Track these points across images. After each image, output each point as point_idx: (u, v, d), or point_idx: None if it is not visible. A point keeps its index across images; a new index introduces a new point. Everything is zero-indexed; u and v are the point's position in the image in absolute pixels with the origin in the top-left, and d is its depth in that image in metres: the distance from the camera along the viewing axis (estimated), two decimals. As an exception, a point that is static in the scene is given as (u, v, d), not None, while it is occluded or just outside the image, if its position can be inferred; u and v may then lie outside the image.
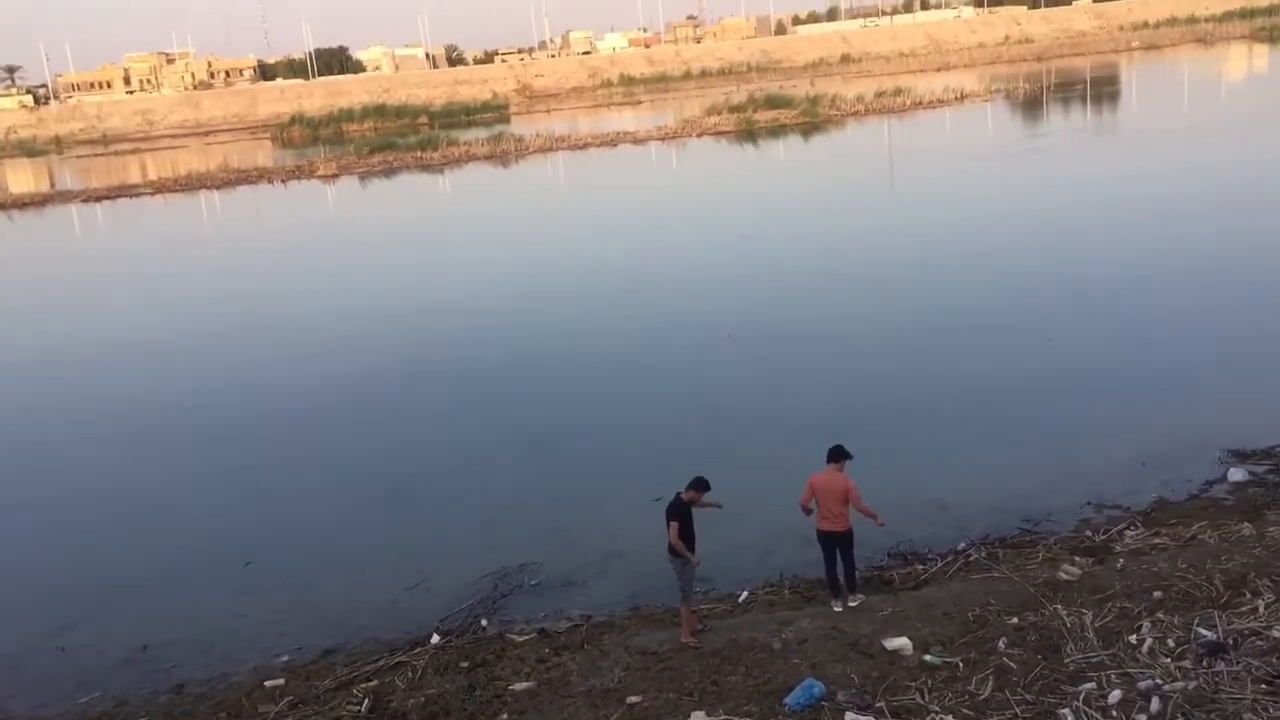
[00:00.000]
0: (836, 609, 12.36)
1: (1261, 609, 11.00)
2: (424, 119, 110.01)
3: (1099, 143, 55.37)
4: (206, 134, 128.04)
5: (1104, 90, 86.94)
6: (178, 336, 30.34)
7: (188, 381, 25.67)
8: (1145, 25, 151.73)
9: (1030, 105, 78.11)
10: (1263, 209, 33.07)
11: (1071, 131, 60.60)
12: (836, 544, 12.27)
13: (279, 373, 25.85)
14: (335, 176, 71.00)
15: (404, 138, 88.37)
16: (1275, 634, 10.34)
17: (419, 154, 76.77)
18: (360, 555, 15.88)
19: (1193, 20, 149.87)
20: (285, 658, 13.16)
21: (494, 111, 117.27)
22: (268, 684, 12.43)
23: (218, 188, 70.07)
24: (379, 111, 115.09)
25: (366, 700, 11.54)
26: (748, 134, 73.82)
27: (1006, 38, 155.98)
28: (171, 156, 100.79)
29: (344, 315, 31.08)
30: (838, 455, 12.16)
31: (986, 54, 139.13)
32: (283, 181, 71.12)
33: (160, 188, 72.36)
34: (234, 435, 21.55)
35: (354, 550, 16.06)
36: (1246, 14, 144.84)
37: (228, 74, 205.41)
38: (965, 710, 9.86)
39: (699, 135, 75.48)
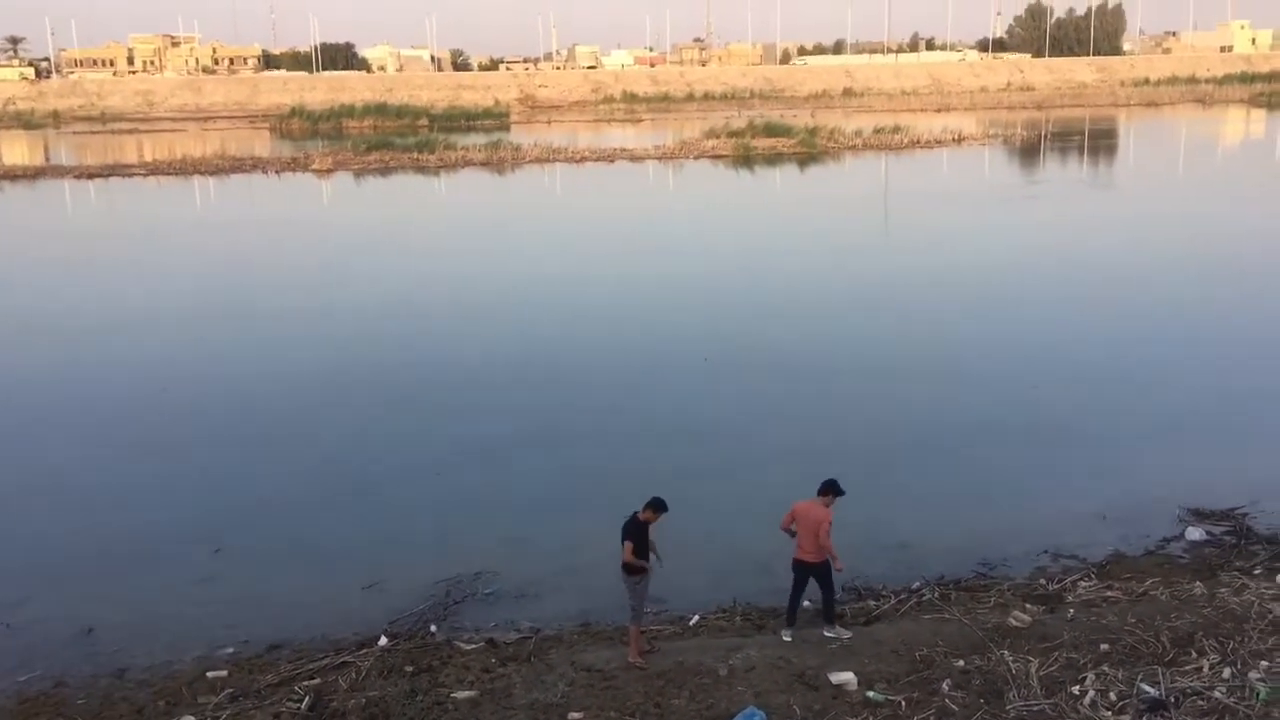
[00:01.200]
0: (786, 638, 12.38)
1: (1206, 669, 11.05)
2: (424, 121, 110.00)
3: (1091, 195, 55.74)
4: (206, 119, 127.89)
5: (1101, 143, 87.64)
6: (152, 320, 30.22)
7: (156, 367, 25.55)
8: (1146, 82, 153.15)
9: (1027, 152, 78.61)
10: (1244, 273, 33.34)
11: (1066, 182, 61.02)
12: (812, 574, 12.31)
13: (250, 363, 25.74)
14: (330, 171, 70.97)
15: (403, 138, 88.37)
16: (1217, 695, 10.40)
17: (416, 155, 76.77)
18: (318, 552, 15.80)
19: (1193, 81, 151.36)
20: (230, 650, 13.07)
21: (495, 119, 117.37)
22: (210, 675, 12.34)
23: (211, 174, 69.95)
24: (380, 110, 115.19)
25: (307, 698, 11.47)
26: (744, 160, 74.07)
27: (1009, 84, 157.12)
28: (169, 139, 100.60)
29: (322, 311, 31.00)
30: (828, 489, 12.21)
31: (988, 98, 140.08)
32: (277, 172, 71.05)
33: (154, 169, 72.26)
34: (194, 424, 21.45)
35: (312, 547, 15.98)
36: (1246, 79, 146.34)
37: (231, 61, 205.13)
38: (903, 749, 9.87)
39: (696, 157, 75.71)
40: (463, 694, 11.55)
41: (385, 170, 72.49)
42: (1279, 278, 32.63)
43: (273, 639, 13.30)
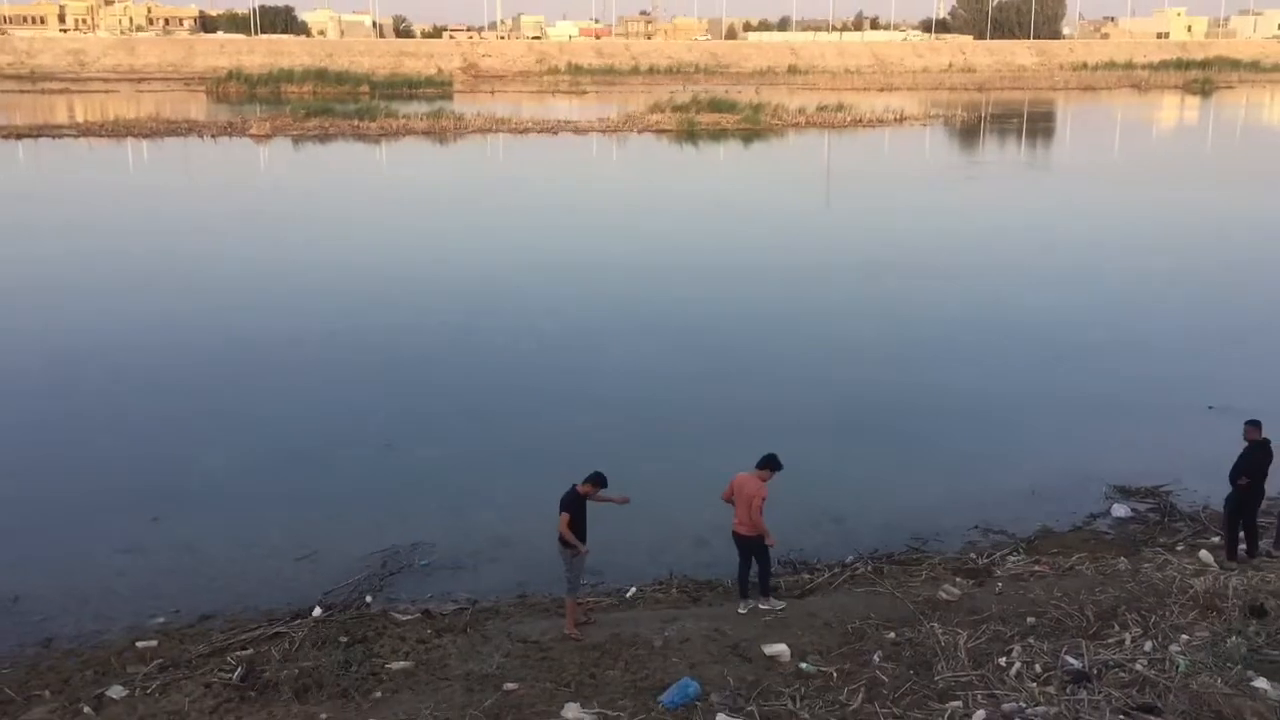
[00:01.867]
0: (742, 611, 12.50)
1: (1128, 642, 11.33)
2: (365, 88, 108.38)
3: (1029, 176, 56.49)
4: (139, 80, 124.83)
5: (1040, 126, 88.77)
6: (89, 285, 29.62)
7: (86, 334, 25.07)
8: (1084, 67, 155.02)
9: (967, 133, 79.42)
10: (1175, 256, 34.03)
11: (1004, 163, 61.78)
12: (749, 547, 12.43)
13: (188, 331, 25.30)
14: (268, 137, 69.80)
15: (343, 104, 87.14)
16: (1138, 667, 10.65)
17: (356, 122, 75.72)
18: (252, 521, 15.63)
19: (1130, 66, 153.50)
20: (160, 619, 12.92)
21: (437, 87, 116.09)
22: (139, 644, 12.19)
23: (145, 136, 68.52)
24: (320, 75, 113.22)
25: (239, 668, 11.37)
26: (689, 134, 74.05)
27: (950, 65, 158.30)
28: (101, 100, 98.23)
29: (263, 279, 30.59)
30: (766, 463, 12.31)
31: (930, 79, 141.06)
32: (213, 136, 69.77)
33: (86, 130, 70.54)
34: (130, 393, 21.09)
35: (246, 515, 15.80)
36: (1182, 65, 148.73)
37: (166, 21, 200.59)
38: (833, 719, 10.01)
39: (640, 131, 75.54)
40: (398, 664, 11.53)
41: (325, 137, 71.45)
42: (1209, 260, 33.31)
43: (205, 609, 13.16)
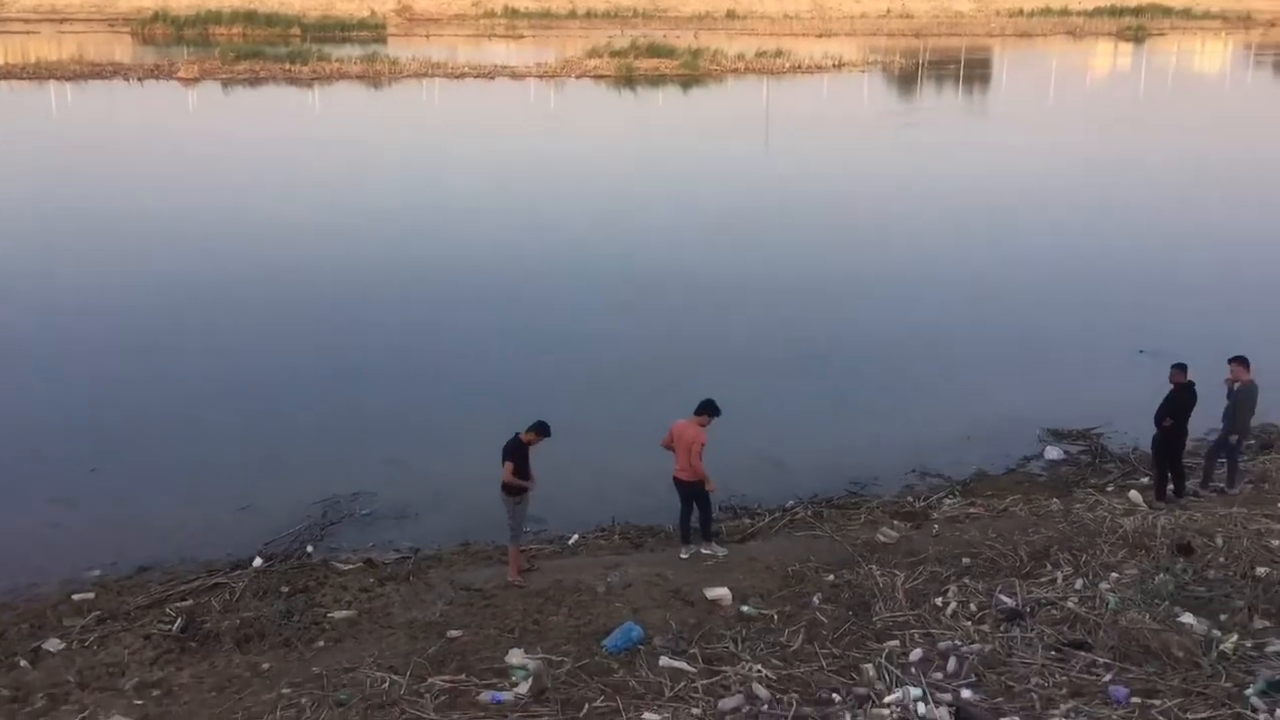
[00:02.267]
0: (684, 556, 12.60)
1: (1059, 580, 11.62)
2: (296, 30, 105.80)
3: (966, 123, 56.82)
4: (61, 21, 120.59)
5: (976, 72, 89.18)
6: (13, 229, 28.82)
7: (23, 280, 24.44)
8: (1020, 13, 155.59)
9: (905, 80, 79.59)
10: (1107, 202, 34.52)
11: (941, 110, 62.08)
12: (690, 493, 12.51)
13: (124, 277, 24.81)
14: (196, 80, 67.95)
15: (274, 47, 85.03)
16: (1069, 604, 10.94)
17: (288, 66, 73.85)
18: (193, 473, 15.47)
19: (1065, 13, 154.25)
20: (97, 572, 12.77)
21: (370, 30, 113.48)
22: (76, 597, 12.05)
23: (68, 79, 66.34)
24: (249, 17, 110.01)
25: (179, 619, 11.29)
26: (627, 80, 73.38)
27: (888, 11, 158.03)
28: (21, 41, 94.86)
29: (200, 225, 29.97)
30: (704, 409, 12.38)
31: (868, 25, 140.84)
32: (139, 79, 67.77)
33: (5, 73, 68.18)
34: (60, 338, 20.64)
35: (187, 468, 15.63)
36: (1116, 12, 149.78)
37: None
38: (775, 660, 10.17)
39: (578, 76, 74.69)
40: (340, 613, 11.51)
41: (255, 80, 69.75)
42: (1141, 206, 33.83)
43: (142, 561, 13.04)
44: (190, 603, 11.79)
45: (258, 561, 12.82)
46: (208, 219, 30.85)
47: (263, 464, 15.69)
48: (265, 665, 10.47)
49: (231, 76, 69.99)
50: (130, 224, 30.11)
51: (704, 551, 12.61)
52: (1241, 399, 13.80)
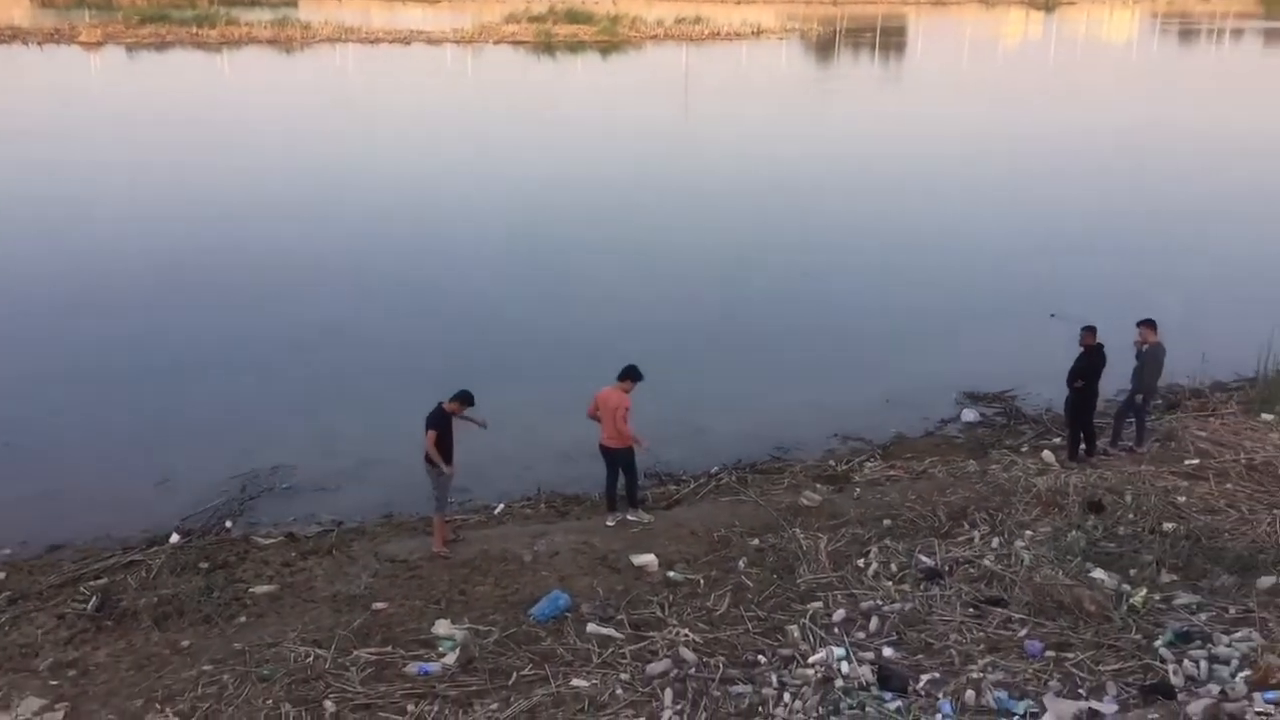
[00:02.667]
0: (610, 523, 12.63)
1: (976, 539, 11.90)
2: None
3: (882, 91, 57.34)
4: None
5: (892, 40, 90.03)
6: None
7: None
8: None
9: (823, 47, 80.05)
10: (1020, 165, 35.15)
11: (858, 79, 62.56)
12: (616, 460, 12.52)
13: (38, 248, 24.09)
14: (99, 45, 65.93)
15: (180, 10, 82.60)
16: (985, 563, 11.22)
17: (195, 30, 72.02)
18: (105, 447, 15.10)
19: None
20: (7, 551, 12.42)
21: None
22: (-15, 578, 11.71)
23: (-39, 43, 63.99)
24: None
25: (94, 598, 11.02)
26: (545, 46, 72.77)
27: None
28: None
29: (110, 194, 29.16)
30: (627, 375, 12.39)
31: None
32: (39, 44, 65.53)
33: (-106, 37, 65.51)
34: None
35: (99, 441, 15.25)
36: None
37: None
38: (701, 624, 10.28)
39: (496, 42, 73.93)
40: (262, 588, 11.36)
41: (161, 45, 67.88)
42: (1051, 172, 34.45)
43: (54, 539, 12.69)
44: (105, 581, 11.52)
45: (175, 538, 12.56)
46: (136, 189, 30.02)
47: (180, 438, 15.35)
48: (185, 642, 10.29)
49: (136, 41, 68.04)
50: (40, 190, 29.14)
51: (630, 519, 12.66)
52: (1149, 360, 14.18)
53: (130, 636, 10.47)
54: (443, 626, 10.33)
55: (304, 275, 22.63)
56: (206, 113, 44.31)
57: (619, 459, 12.58)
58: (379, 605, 10.87)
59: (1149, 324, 14.24)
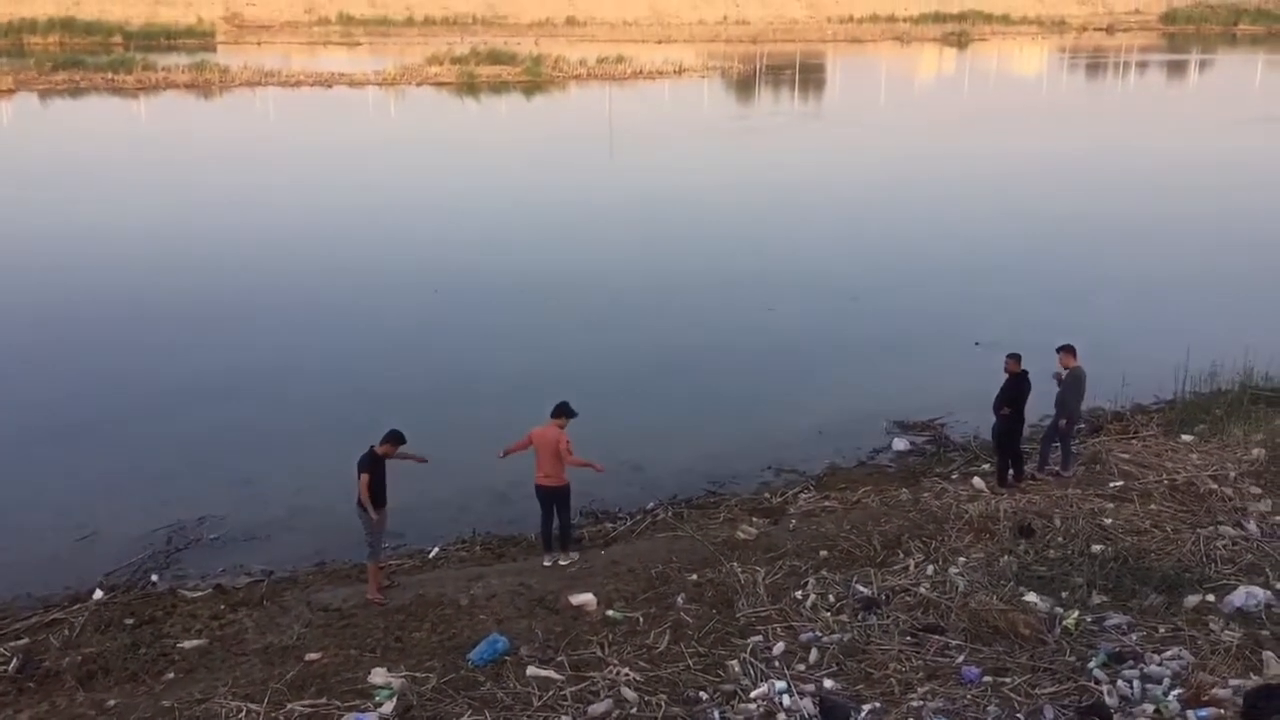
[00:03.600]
0: (546, 564, 12.52)
1: (911, 567, 12.01)
2: (119, 38, 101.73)
3: (802, 127, 58.22)
4: None
5: (811, 77, 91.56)
6: None
7: None
8: (850, 19, 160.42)
9: (744, 85, 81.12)
10: (941, 197, 35.81)
11: (780, 114, 63.48)
12: (552, 499, 12.44)
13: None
14: (11, 92, 64.64)
15: (95, 57, 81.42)
16: (922, 590, 11.32)
17: (111, 76, 70.96)
18: (22, 502, 14.64)
19: (892, 19, 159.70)
20: (-79, 613, 11.97)
21: (198, 38, 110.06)
22: (-102, 642, 11.25)
23: None
24: (67, 25, 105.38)
25: (15, 659, 10.66)
26: (469, 87, 72.84)
27: (725, 18, 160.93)
28: None
29: (25, 241, 28.47)
30: (561, 412, 12.34)
31: (706, 31, 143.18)
32: (-53, 92, 64.11)
33: None
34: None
35: (15, 496, 14.79)
36: (940, 18, 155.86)
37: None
38: (642, 662, 10.22)
39: (419, 84, 73.83)
40: (190, 643, 11.07)
41: (76, 91, 66.76)
42: (970, 203, 35.15)
43: (-30, 600, 12.25)
44: (26, 641, 11.15)
45: (99, 594, 12.21)
46: (36, 231, 29.34)
47: (101, 490, 14.95)
48: (111, 702, 9.96)
49: (49, 87, 66.85)
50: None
51: (563, 562, 12.54)
52: (1070, 385, 14.46)
53: (54, 698, 10.12)
54: (379, 675, 10.13)
55: (226, 319, 22.25)
56: (118, 155, 43.58)
57: (554, 498, 12.50)
58: (313, 656, 10.64)
59: (1068, 349, 14.52)
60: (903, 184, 39.08)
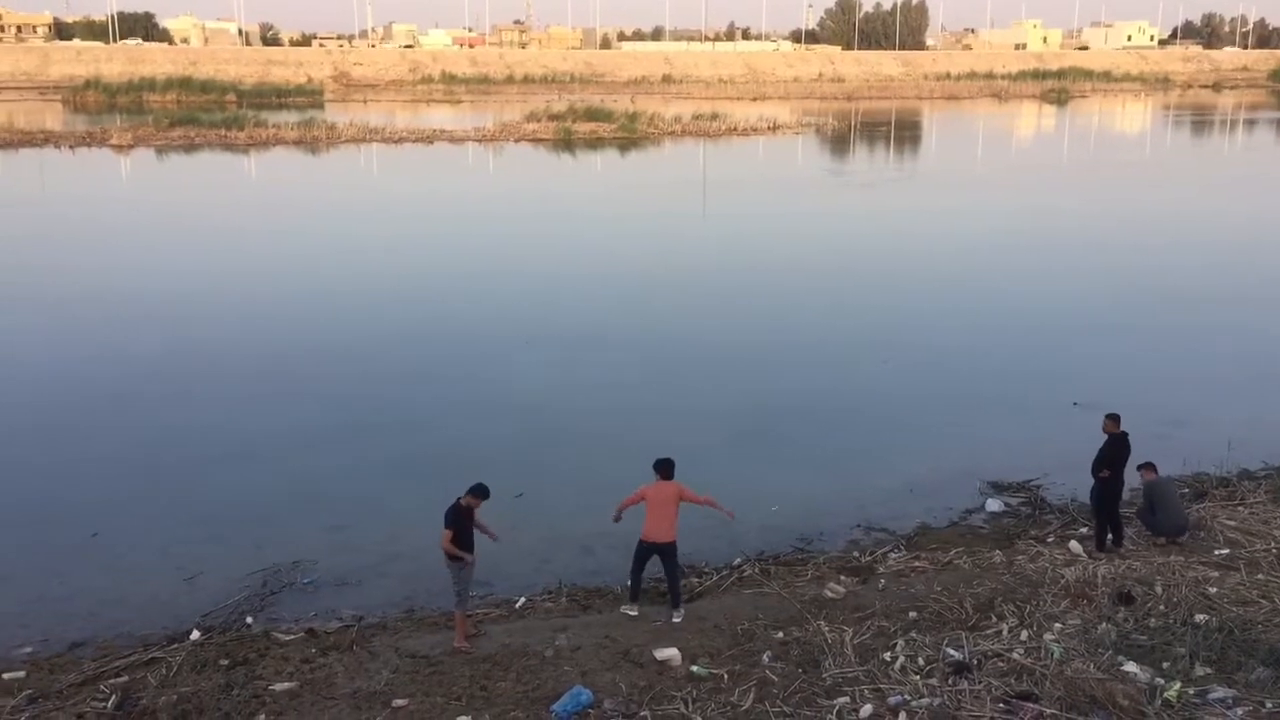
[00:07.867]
0: (633, 613, 12.50)
1: (1005, 632, 11.71)
2: (232, 96, 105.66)
3: (899, 183, 57.95)
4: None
5: (907, 133, 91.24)
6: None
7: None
8: (948, 76, 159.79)
9: (838, 141, 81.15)
10: (1042, 254, 35.28)
11: (875, 170, 63.31)
12: (661, 554, 12.40)
13: (52, 347, 24.37)
14: (130, 147, 67.49)
15: (209, 114, 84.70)
16: (1015, 656, 11.02)
17: (224, 132, 73.67)
18: (124, 543, 15.09)
19: (990, 76, 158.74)
20: (28, 649, 12.34)
21: (307, 96, 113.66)
22: (6, 676, 11.61)
23: (-1, 147, 65.59)
24: (184, 84, 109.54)
25: (114, 696, 10.94)
26: (565, 143, 74.04)
27: (820, 75, 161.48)
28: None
29: (135, 293, 29.58)
30: (664, 467, 12.45)
31: (801, 88, 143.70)
32: (71, 147, 67.12)
33: (-68, 142, 67.24)
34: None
35: (117, 537, 15.24)
36: (1038, 75, 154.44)
37: (19, 29, 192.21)
38: (725, 720, 10.11)
39: (517, 140, 75.28)
40: (282, 685, 11.24)
41: (190, 147, 69.41)
42: (1072, 261, 34.56)
43: (75, 637, 12.62)
44: (125, 679, 11.44)
45: (195, 634, 12.50)
46: (146, 284, 30.48)
47: (201, 534, 15.34)
48: (204, 741, 10.18)
49: (166, 143, 69.62)
50: (58, 287, 29.63)
51: (675, 619, 12.41)
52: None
53: (149, 735, 10.37)
54: (463, 723, 10.19)
55: (324, 368, 22.80)
56: (228, 210, 45.16)
57: (664, 552, 12.42)
58: (399, 702, 10.75)
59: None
60: (1003, 242, 38.61)
